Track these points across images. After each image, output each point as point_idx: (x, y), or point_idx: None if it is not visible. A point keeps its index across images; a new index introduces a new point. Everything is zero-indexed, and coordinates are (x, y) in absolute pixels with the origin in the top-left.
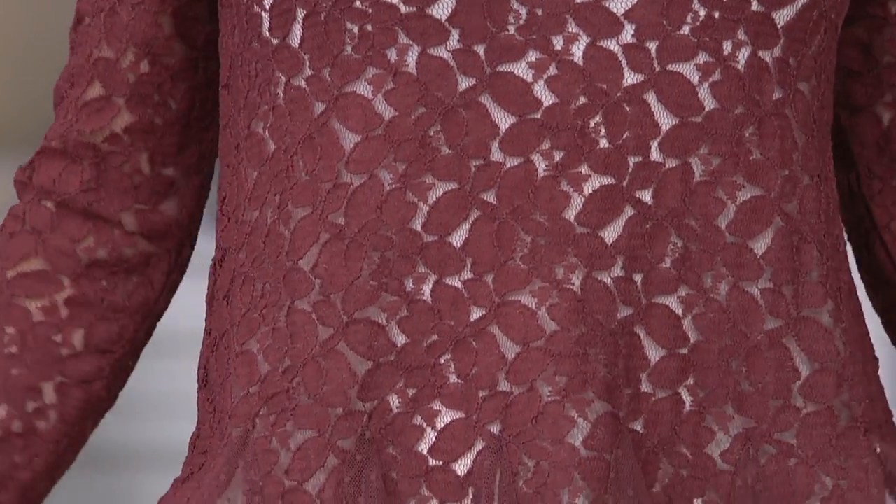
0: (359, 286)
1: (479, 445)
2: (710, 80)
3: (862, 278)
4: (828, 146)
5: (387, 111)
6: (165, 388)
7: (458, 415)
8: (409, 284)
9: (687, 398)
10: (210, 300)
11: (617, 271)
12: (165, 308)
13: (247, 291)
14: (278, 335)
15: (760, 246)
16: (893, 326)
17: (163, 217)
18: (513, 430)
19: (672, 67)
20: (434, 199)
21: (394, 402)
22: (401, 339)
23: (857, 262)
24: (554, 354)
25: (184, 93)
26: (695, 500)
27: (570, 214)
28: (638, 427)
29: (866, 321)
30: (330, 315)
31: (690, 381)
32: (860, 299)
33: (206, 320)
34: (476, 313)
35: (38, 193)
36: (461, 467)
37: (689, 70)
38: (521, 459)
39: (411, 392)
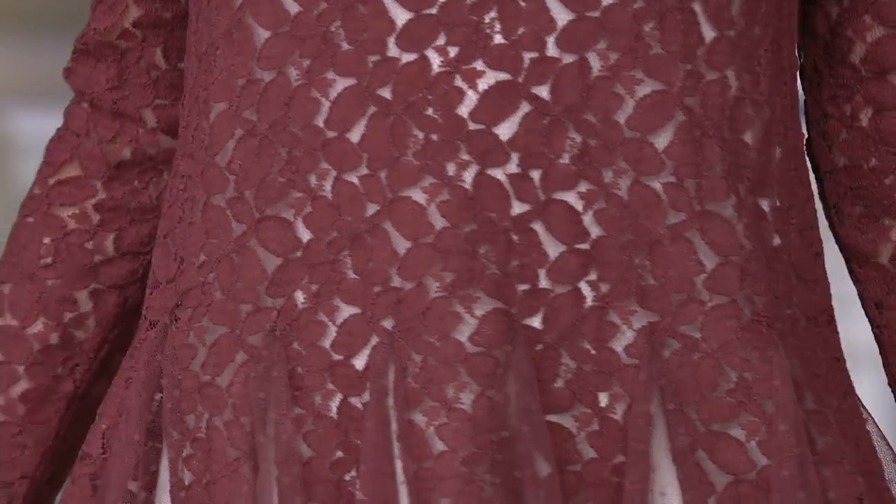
0: (269, 182)
1: (374, 341)
2: None
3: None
4: (760, 43)
5: (293, 6)
6: None
7: (355, 310)
8: (313, 180)
9: (588, 293)
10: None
11: (512, 168)
12: None
13: (174, 185)
14: (194, 230)
15: (661, 140)
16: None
17: None
18: (403, 326)
19: None
20: (335, 94)
21: (299, 298)
22: (306, 236)
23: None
24: (442, 251)
25: None
26: (599, 395)
27: (464, 111)
28: (535, 323)
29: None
30: (243, 211)
31: (592, 276)
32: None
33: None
34: (371, 209)
35: (76, 94)
36: (359, 362)
37: None
38: (410, 355)
39: (314, 288)
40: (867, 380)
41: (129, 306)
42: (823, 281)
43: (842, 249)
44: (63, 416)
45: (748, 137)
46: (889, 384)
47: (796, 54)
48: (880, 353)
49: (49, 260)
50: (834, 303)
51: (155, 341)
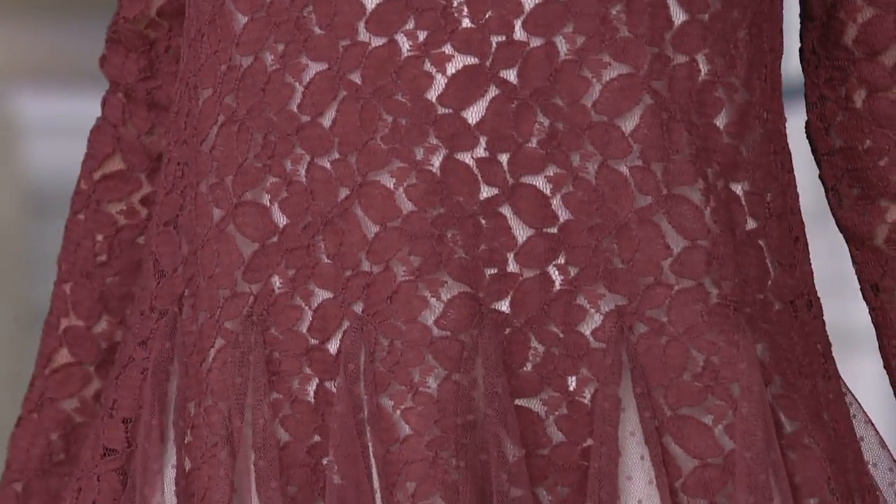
0: (246, 168)
1: (346, 325)
2: None
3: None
4: (738, 26)
5: None
6: None
7: (329, 294)
8: (288, 165)
9: (556, 277)
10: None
11: (480, 152)
12: None
13: (169, 171)
14: (187, 216)
15: (628, 124)
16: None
17: None
18: (372, 310)
19: None
20: (308, 79)
21: (276, 283)
22: (282, 221)
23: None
24: (409, 235)
25: None
26: (568, 379)
27: (433, 95)
28: (503, 307)
29: None
30: (222, 197)
31: (560, 260)
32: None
33: None
34: (342, 193)
35: (112, 84)
36: (333, 346)
37: None
38: (378, 339)
39: (291, 273)
40: (868, 360)
41: None
42: (803, 265)
43: (841, 232)
44: None
45: (719, 121)
46: (885, 367)
47: (781, 37)
48: (876, 335)
49: (104, 258)
50: (835, 284)
51: (165, 330)
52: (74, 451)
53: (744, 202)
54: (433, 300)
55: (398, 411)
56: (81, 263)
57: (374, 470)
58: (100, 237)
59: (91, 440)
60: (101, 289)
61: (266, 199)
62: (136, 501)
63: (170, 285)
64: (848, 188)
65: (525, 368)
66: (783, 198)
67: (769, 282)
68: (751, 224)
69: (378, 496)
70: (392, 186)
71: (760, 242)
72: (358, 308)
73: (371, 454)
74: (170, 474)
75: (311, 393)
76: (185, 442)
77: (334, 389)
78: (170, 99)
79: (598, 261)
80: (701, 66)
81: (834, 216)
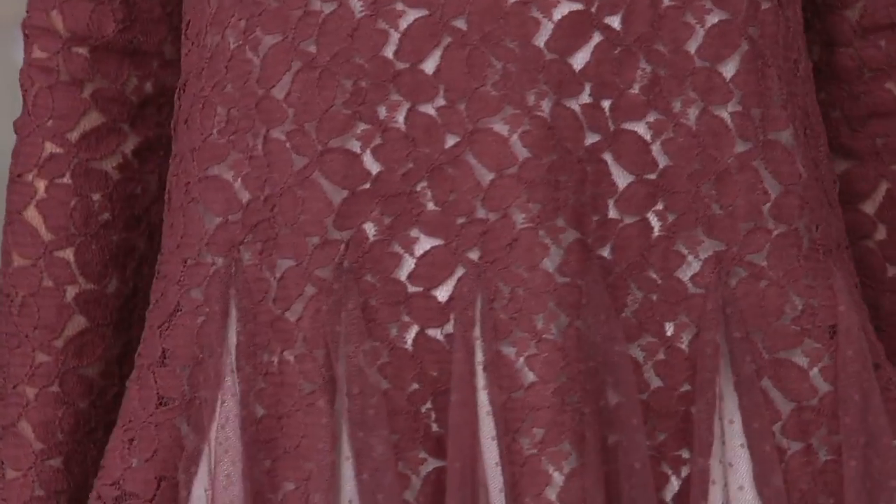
0: (332, 115)
1: (460, 272)
2: None
3: None
4: None
5: None
6: None
7: (438, 241)
8: (383, 112)
9: (655, 223)
10: (174, 126)
11: (584, 98)
12: None
13: (207, 115)
14: (256, 163)
15: (729, 69)
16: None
17: None
18: (490, 257)
19: None
20: (405, 25)
21: (370, 230)
22: (375, 168)
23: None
24: (526, 181)
25: None
26: (665, 325)
27: (540, 41)
28: (606, 253)
29: None
30: (304, 144)
31: (659, 206)
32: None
33: (172, 145)
34: (450, 140)
35: (67, 41)
36: (442, 293)
37: None
38: (498, 286)
39: (388, 220)
40: None
41: None
42: (839, 208)
43: None
44: None
45: (798, 67)
46: None
47: None
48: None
49: (107, 216)
50: None
51: (224, 276)
52: (106, 419)
53: (812, 146)
54: (554, 247)
55: (521, 358)
56: (80, 227)
57: (485, 417)
58: (97, 196)
59: (134, 393)
60: (109, 247)
61: (356, 146)
62: (202, 449)
63: (226, 232)
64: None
65: (624, 315)
66: (825, 141)
67: (832, 225)
68: (818, 168)
69: (496, 443)
70: (506, 133)
71: (823, 185)
72: (474, 255)
73: (484, 401)
74: (233, 423)
75: (410, 340)
76: (256, 388)
77: (438, 337)
78: (153, 44)
79: (697, 207)
80: (783, 12)
81: None
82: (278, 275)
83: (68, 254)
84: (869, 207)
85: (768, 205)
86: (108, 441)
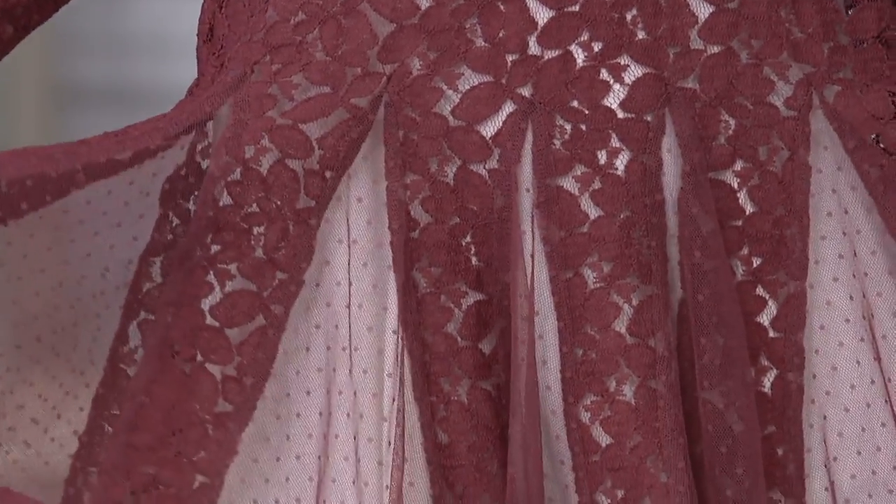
0: None
1: (510, 107)
2: None
3: None
4: None
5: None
6: (162, 30)
7: (486, 77)
8: None
9: (742, 51)
10: None
11: None
12: None
13: None
14: None
15: None
16: None
17: None
18: (547, 94)
19: None
20: None
21: (415, 64)
22: (424, 2)
23: None
24: (588, 19)
25: None
26: (759, 149)
27: None
28: (690, 83)
29: None
30: None
31: (743, 35)
32: None
33: None
34: None
35: None
36: (487, 129)
37: None
38: (556, 122)
39: (433, 55)
40: None
41: None
42: None
43: None
44: None
45: None
46: None
47: None
48: None
49: None
50: None
51: (230, 85)
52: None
53: None
54: (616, 85)
55: (586, 193)
56: None
57: (538, 250)
58: None
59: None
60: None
61: None
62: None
63: (246, 50)
64: None
65: (717, 142)
66: None
67: None
68: None
69: (548, 276)
70: None
71: None
72: (525, 91)
73: (533, 235)
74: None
75: (451, 174)
76: (257, 200)
77: (481, 171)
78: None
79: (780, 31)
80: None
81: None
82: (299, 97)
83: None
84: None
85: (841, 24)
86: None
